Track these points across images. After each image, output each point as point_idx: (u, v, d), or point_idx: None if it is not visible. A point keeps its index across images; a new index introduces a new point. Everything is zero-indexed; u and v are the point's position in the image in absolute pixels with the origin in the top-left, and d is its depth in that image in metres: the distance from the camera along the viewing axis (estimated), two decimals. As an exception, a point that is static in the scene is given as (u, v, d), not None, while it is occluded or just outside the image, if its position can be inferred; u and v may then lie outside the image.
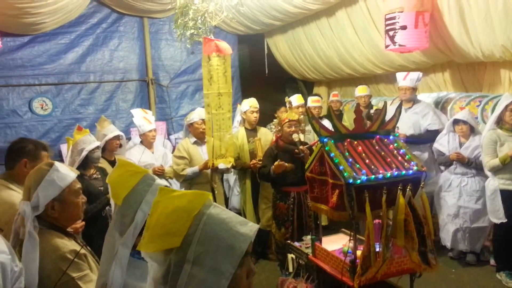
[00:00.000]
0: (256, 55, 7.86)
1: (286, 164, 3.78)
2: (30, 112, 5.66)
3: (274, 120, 4.22)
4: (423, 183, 2.62)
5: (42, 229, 1.82)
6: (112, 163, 4.01)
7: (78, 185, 1.97)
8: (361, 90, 5.96)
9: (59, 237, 1.85)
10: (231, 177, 5.44)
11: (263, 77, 7.55)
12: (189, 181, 4.44)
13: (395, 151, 2.68)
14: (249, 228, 1.06)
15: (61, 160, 4.94)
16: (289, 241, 3.22)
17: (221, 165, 4.27)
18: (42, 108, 5.72)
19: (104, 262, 1.52)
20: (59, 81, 5.88)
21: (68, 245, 1.82)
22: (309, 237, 3.06)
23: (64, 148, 5.36)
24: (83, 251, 1.86)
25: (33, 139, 2.72)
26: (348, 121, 5.69)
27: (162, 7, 6.13)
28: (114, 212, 1.57)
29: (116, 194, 1.53)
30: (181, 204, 1.05)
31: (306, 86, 8.11)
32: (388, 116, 2.91)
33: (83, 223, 2.45)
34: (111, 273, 1.45)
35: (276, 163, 3.79)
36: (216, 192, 4.39)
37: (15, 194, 2.40)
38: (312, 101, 5.81)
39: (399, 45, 4.26)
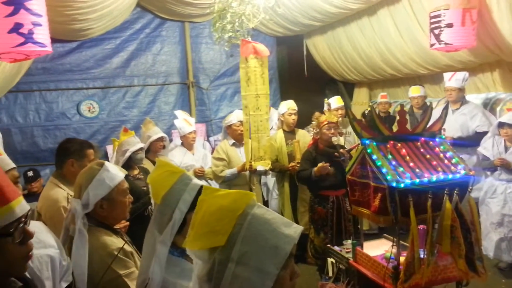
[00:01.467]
0: (294, 57, 7.82)
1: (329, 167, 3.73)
2: (78, 115, 5.92)
3: (313, 122, 4.18)
4: (470, 187, 2.51)
5: (91, 226, 1.88)
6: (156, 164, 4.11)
7: (126, 185, 2.03)
8: (414, 91, 5.65)
9: (108, 234, 1.91)
10: (270, 181, 5.44)
11: (302, 79, 7.49)
12: (227, 183, 4.47)
13: (441, 154, 2.58)
14: (294, 229, 1.06)
15: (106, 160, 5.12)
16: (329, 245, 3.17)
17: (260, 167, 4.27)
18: (89, 110, 5.97)
19: (144, 259, 1.57)
20: (105, 84, 6.11)
21: (116, 242, 1.88)
22: (349, 241, 3.00)
23: (109, 149, 5.56)
24: (129, 249, 1.91)
25: (78, 139, 2.84)
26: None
27: (202, 11, 6.23)
28: (154, 211, 1.62)
29: (156, 193, 1.58)
30: (226, 203, 1.06)
31: (347, 88, 7.98)
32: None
33: (127, 223, 2.52)
34: (151, 270, 1.49)
35: (320, 164, 3.73)
36: (254, 194, 4.39)
37: (60, 192, 2.52)
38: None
39: (445, 43, 4.11)
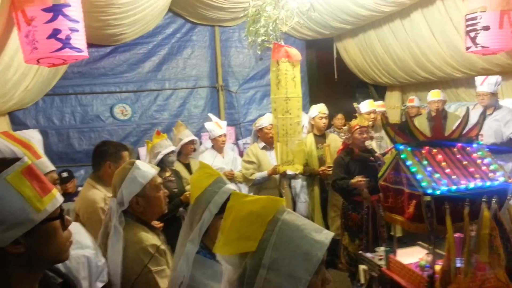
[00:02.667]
0: (324, 60, 7.76)
1: (365, 189, 3.67)
2: (112, 117, 6.06)
3: (344, 128, 4.11)
4: (510, 195, 2.42)
5: (129, 221, 1.95)
6: (187, 166, 4.17)
7: (159, 180, 2.09)
8: (434, 95, 5.51)
9: (145, 230, 1.97)
10: (297, 184, 5.41)
11: (332, 82, 7.43)
12: (257, 186, 4.47)
13: (479, 160, 2.49)
14: (325, 235, 1.06)
15: (138, 163, 5.20)
16: (360, 252, 3.12)
17: (289, 171, 4.25)
18: (122, 113, 6.10)
19: (176, 257, 1.62)
20: (138, 88, 6.24)
21: (151, 239, 1.93)
22: (382, 248, 2.93)
23: (142, 151, 5.66)
24: (163, 247, 1.96)
25: (114, 141, 2.91)
26: (419, 127, 5.39)
27: (233, 16, 6.28)
28: (188, 210, 1.67)
29: (192, 193, 1.64)
30: (255, 209, 1.07)
31: (378, 91, 7.85)
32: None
33: (162, 224, 2.56)
34: (179, 267, 1.53)
35: (358, 178, 3.67)
36: (284, 197, 4.38)
37: (98, 193, 2.58)
38: (377, 106, 5.64)
39: (482, 46, 3.97)
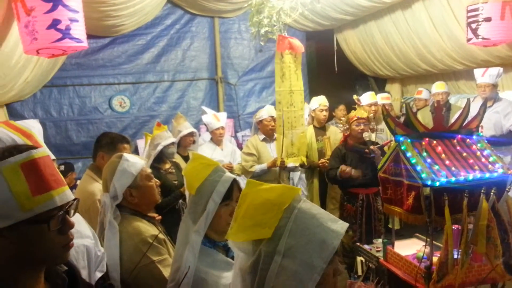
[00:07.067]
0: (324, 52, 7.72)
1: (352, 172, 3.67)
2: (110, 109, 6.04)
3: (342, 119, 4.12)
4: (509, 187, 2.42)
5: (125, 215, 1.95)
6: (186, 158, 4.16)
7: (149, 170, 2.09)
8: (438, 87, 5.54)
9: (142, 222, 1.97)
10: (296, 176, 5.41)
11: (332, 74, 7.39)
12: (256, 178, 4.46)
13: (478, 152, 2.49)
14: (340, 225, 1.09)
15: (137, 154, 5.20)
16: (358, 244, 3.13)
17: (291, 163, 4.26)
18: (120, 105, 6.08)
19: (179, 248, 1.61)
20: (136, 80, 6.21)
21: (149, 230, 1.93)
22: (380, 240, 2.95)
23: (140, 143, 5.66)
24: (163, 236, 1.96)
25: (114, 133, 2.89)
26: (422, 120, 5.40)
27: (233, 7, 6.23)
28: (188, 202, 1.67)
29: (190, 184, 1.64)
30: (271, 197, 1.08)
31: (378, 83, 7.82)
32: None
33: (160, 216, 2.56)
34: (184, 258, 1.53)
35: (341, 168, 3.68)
36: (300, 188, 4.39)
37: (96, 185, 2.57)
38: (381, 98, 5.65)
39: (483, 38, 3.96)
